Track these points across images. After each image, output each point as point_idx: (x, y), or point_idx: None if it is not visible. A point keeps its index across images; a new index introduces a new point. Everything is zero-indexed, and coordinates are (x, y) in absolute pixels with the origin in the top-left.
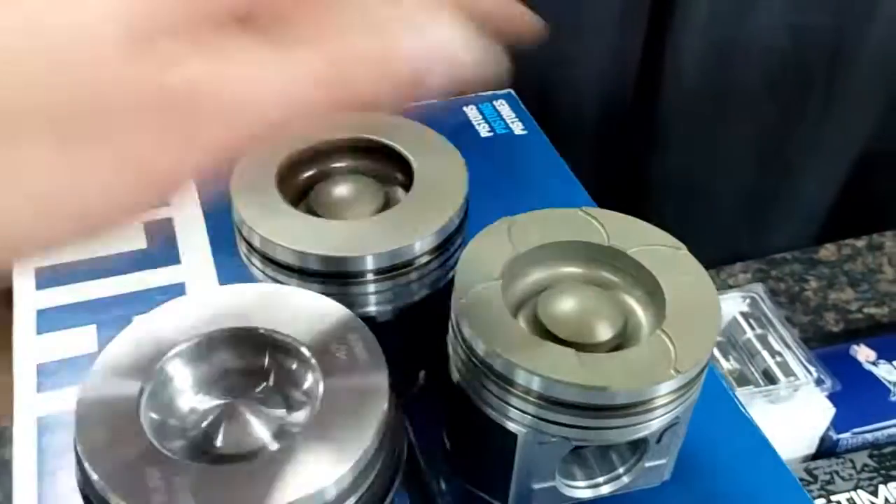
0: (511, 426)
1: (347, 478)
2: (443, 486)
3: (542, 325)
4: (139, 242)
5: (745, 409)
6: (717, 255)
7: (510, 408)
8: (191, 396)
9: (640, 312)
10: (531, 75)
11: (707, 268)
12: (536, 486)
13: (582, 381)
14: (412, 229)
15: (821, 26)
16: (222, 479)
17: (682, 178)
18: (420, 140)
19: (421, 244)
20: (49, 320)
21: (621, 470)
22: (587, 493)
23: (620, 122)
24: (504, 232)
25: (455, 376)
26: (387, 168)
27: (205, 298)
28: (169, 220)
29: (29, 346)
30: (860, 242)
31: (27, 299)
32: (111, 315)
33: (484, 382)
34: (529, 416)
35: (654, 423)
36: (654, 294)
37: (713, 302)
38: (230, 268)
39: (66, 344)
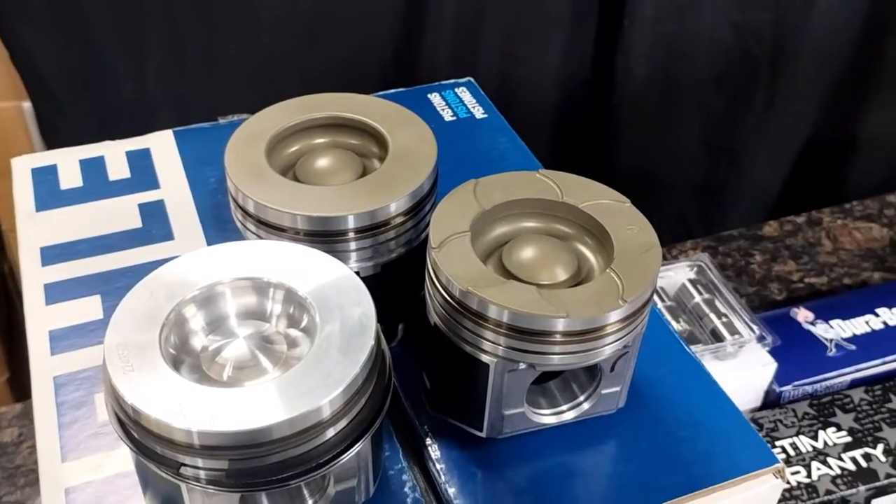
0: (484, 358)
1: (339, 399)
2: (424, 420)
3: (508, 271)
4: (135, 222)
5: (691, 350)
6: (671, 240)
7: (483, 340)
8: (203, 336)
9: (592, 257)
10: (489, 73)
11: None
12: (507, 412)
13: (543, 312)
14: (388, 192)
15: (762, 22)
16: (232, 399)
17: (635, 168)
18: (393, 116)
19: (396, 205)
20: (56, 292)
21: (581, 397)
22: (552, 420)
23: (575, 115)
24: (470, 192)
25: (433, 319)
26: (364, 142)
27: (210, 253)
28: (161, 202)
29: (40, 316)
30: (800, 219)
31: (34, 275)
32: (113, 286)
33: (459, 320)
34: (500, 347)
35: (606, 350)
36: (603, 241)
37: (654, 246)
38: (219, 241)
39: (74, 312)
